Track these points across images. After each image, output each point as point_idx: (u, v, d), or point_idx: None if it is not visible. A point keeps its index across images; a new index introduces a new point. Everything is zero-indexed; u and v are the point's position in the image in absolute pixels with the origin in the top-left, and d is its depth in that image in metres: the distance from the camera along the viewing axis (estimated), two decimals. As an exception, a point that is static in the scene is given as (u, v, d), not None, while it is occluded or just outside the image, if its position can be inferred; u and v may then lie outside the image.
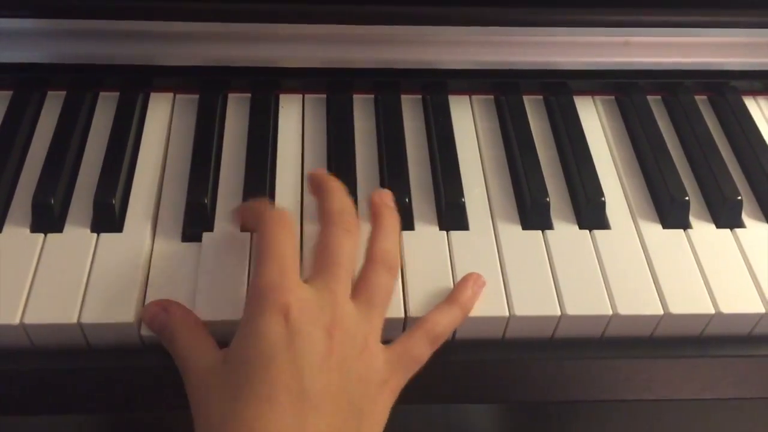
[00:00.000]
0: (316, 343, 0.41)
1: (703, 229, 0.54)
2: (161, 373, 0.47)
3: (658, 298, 0.49)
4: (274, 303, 0.41)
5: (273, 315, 0.41)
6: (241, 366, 0.41)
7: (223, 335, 0.47)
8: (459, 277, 0.50)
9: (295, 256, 0.45)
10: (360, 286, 0.46)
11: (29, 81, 0.59)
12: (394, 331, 0.47)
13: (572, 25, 0.60)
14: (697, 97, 0.64)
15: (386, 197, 0.51)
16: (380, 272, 0.46)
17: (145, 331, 0.46)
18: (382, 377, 0.44)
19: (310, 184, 0.51)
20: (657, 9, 0.61)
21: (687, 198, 0.54)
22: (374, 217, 0.49)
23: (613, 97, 0.64)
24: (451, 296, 0.48)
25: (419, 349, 0.45)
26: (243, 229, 0.51)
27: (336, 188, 0.49)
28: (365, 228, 0.49)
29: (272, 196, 0.54)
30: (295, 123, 0.60)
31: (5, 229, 0.50)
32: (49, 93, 0.60)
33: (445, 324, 0.46)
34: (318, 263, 0.45)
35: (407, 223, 0.53)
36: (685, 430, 0.58)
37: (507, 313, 0.48)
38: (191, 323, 0.45)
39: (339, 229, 0.46)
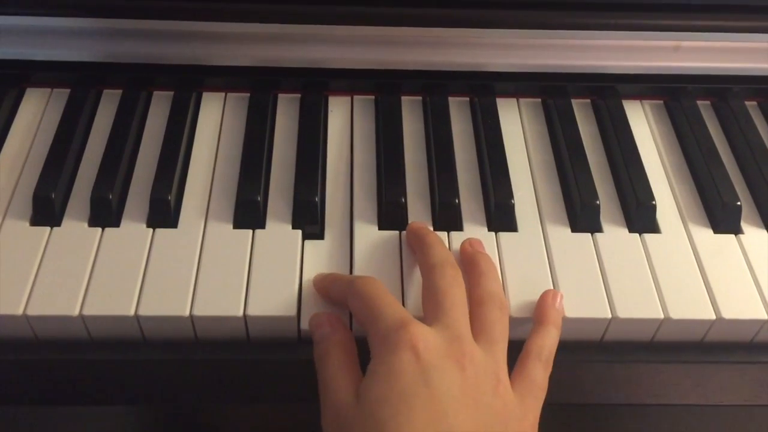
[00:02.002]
0: (450, 377, 0.41)
1: (754, 234, 0.54)
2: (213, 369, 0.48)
3: (709, 303, 0.49)
4: (403, 340, 0.41)
5: (404, 352, 0.41)
6: (381, 404, 0.40)
7: (270, 330, 0.48)
8: (506, 277, 0.50)
9: (399, 302, 0.45)
10: (476, 327, 0.45)
11: (86, 79, 0.61)
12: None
13: (622, 29, 0.60)
14: (747, 103, 0.64)
15: (477, 245, 0.51)
16: (493, 310, 0.46)
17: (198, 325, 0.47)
18: (520, 413, 0.43)
19: (409, 238, 0.51)
20: (708, 14, 0.60)
21: (739, 203, 0.54)
22: (470, 264, 0.49)
23: (661, 102, 0.64)
24: (541, 318, 0.47)
25: (539, 376, 0.45)
26: (329, 300, 0.49)
27: (435, 241, 0.49)
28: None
29: (323, 196, 0.55)
30: (344, 123, 0.61)
31: (64, 223, 0.52)
32: (105, 91, 0.61)
33: (549, 345, 0.46)
34: (431, 310, 0.45)
35: (456, 224, 0.53)
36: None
37: (562, 311, 0.48)
38: (348, 349, 0.45)
39: (445, 278, 0.46)
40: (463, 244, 0.51)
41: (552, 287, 0.50)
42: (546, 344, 0.46)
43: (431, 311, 0.45)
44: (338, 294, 0.47)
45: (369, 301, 0.44)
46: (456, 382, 0.41)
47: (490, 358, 0.43)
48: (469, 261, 0.49)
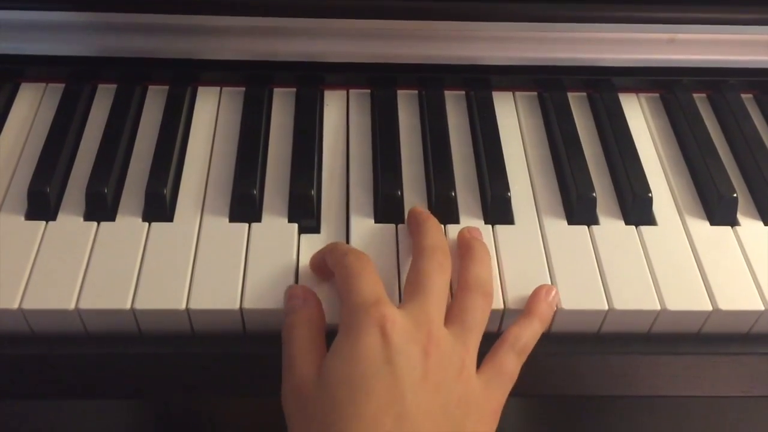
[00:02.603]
0: (413, 361, 0.41)
1: (750, 226, 0.54)
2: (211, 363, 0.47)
3: (706, 294, 0.49)
4: (372, 317, 0.42)
5: (371, 329, 0.41)
6: (341, 384, 0.40)
7: (267, 323, 0.48)
8: (503, 269, 0.50)
9: (381, 283, 0.45)
10: (454, 312, 0.45)
11: (80, 74, 0.61)
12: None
13: (618, 22, 0.60)
14: (742, 96, 0.64)
15: (475, 232, 0.51)
16: (475, 297, 0.46)
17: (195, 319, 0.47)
18: (483, 399, 0.43)
19: (410, 221, 0.51)
20: (703, 6, 0.60)
21: (735, 195, 0.54)
22: (465, 248, 0.49)
23: (657, 95, 0.64)
24: (528, 309, 0.47)
25: (509, 365, 0.45)
26: (320, 275, 0.49)
27: (433, 226, 0.49)
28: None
29: (318, 190, 0.54)
30: (340, 117, 0.61)
31: (59, 217, 0.51)
32: (100, 86, 0.61)
33: (527, 337, 0.46)
34: (409, 291, 0.45)
35: (452, 217, 0.53)
36: (726, 427, 0.57)
37: (554, 307, 0.48)
38: (316, 325, 0.45)
39: (432, 262, 0.46)
40: (461, 230, 0.51)
41: (549, 280, 0.50)
42: (523, 335, 0.46)
43: (410, 292, 0.45)
44: (333, 262, 0.47)
45: (350, 273, 0.44)
46: (418, 366, 0.41)
47: (458, 344, 0.44)
48: (465, 246, 0.49)
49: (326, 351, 0.43)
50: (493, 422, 0.43)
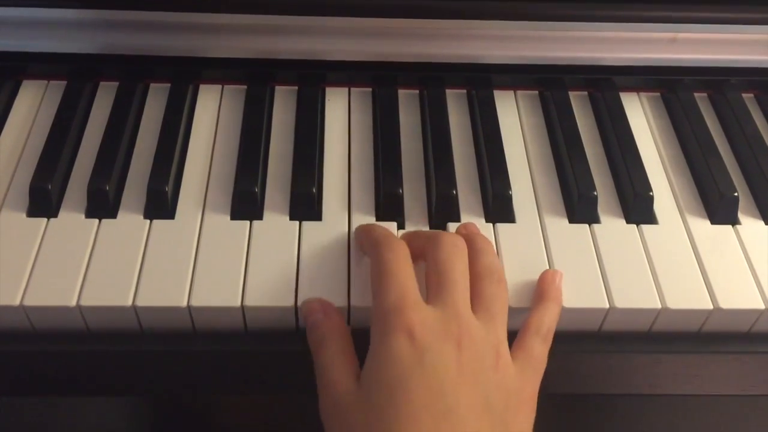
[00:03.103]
0: (446, 357, 0.41)
1: (751, 225, 0.54)
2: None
3: (707, 293, 0.49)
4: (398, 324, 0.41)
5: (399, 336, 0.41)
6: (378, 389, 0.41)
7: (268, 320, 0.48)
8: (505, 267, 0.50)
9: (412, 277, 0.45)
10: (475, 301, 0.45)
11: (82, 71, 0.61)
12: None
13: (619, 21, 0.60)
14: (743, 95, 0.64)
15: (472, 227, 0.51)
16: (491, 285, 0.46)
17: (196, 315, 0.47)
18: (519, 385, 0.43)
19: (410, 238, 0.50)
20: (705, 5, 0.60)
21: (736, 194, 0.54)
22: (467, 243, 0.49)
23: (658, 94, 0.64)
24: (541, 294, 0.48)
25: (537, 350, 0.45)
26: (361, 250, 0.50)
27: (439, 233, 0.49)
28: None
29: (320, 188, 0.54)
30: (342, 116, 0.61)
31: (60, 214, 0.51)
32: (102, 83, 0.61)
33: (549, 320, 0.46)
34: (432, 283, 0.45)
35: (453, 215, 0.53)
36: (726, 426, 0.57)
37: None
38: (343, 335, 0.45)
39: (447, 247, 0.46)
40: (458, 228, 0.51)
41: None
42: (545, 319, 0.46)
43: (434, 284, 0.45)
44: (366, 249, 0.48)
45: (380, 271, 0.44)
46: (452, 361, 0.41)
47: (490, 333, 0.44)
48: (466, 240, 0.49)
49: (356, 359, 0.44)
50: (531, 409, 0.44)
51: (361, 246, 0.49)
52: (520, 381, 0.44)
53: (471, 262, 0.47)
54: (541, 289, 0.48)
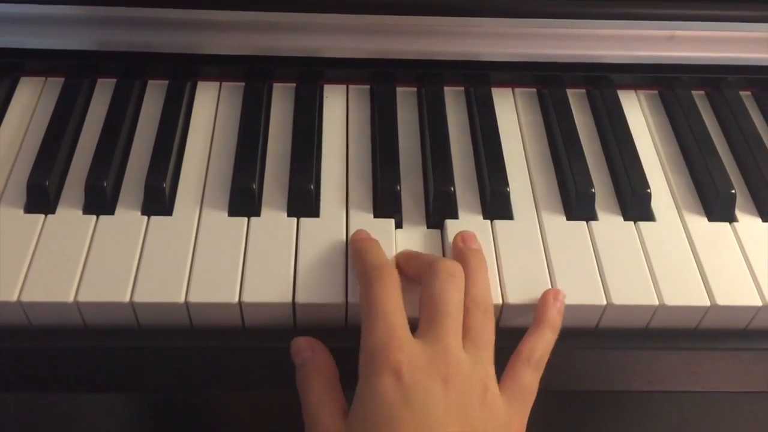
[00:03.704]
0: (433, 396, 0.41)
1: (749, 222, 0.54)
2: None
3: (704, 290, 0.49)
4: (384, 363, 0.41)
5: (385, 376, 0.41)
6: (366, 430, 0.40)
7: (266, 317, 0.48)
8: (502, 264, 0.50)
9: (401, 312, 0.44)
10: (465, 333, 0.44)
11: (80, 68, 0.61)
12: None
13: (617, 18, 0.60)
14: (741, 93, 0.64)
15: (469, 240, 0.50)
16: (477, 316, 0.45)
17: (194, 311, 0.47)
18: (507, 418, 0.43)
19: (399, 260, 0.50)
20: (703, 3, 0.60)
21: (733, 191, 0.54)
22: (460, 261, 0.48)
23: (656, 92, 0.64)
24: (537, 317, 0.47)
25: (527, 380, 0.45)
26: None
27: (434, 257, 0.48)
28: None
29: (318, 185, 0.54)
30: (340, 113, 0.61)
31: (58, 210, 0.51)
32: (100, 80, 0.61)
33: (541, 348, 0.46)
34: (425, 315, 0.44)
35: (451, 212, 0.53)
36: (724, 423, 0.58)
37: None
38: (330, 374, 0.45)
39: (444, 276, 0.45)
40: (455, 239, 0.51)
41: (547, 275, 0.50)
42: (538, 347, 0.46)
43: (426, 317, 0.44)
44: (357, 272, 0.47)
45: (369, 304, 0.44)
46: (440, 399, 0.41)
47: (477, 366, 0.43)
48: (459, 259, 0.48)
49: (343, 397, 0.44)
50: None
51: (353, 263, 0.49)
52: (508, 414, 0.43)
53: None
54: (538, 312, 0.47)
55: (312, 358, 0.46)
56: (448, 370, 0.42)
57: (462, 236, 0.51)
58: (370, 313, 0.44)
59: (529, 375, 0.45)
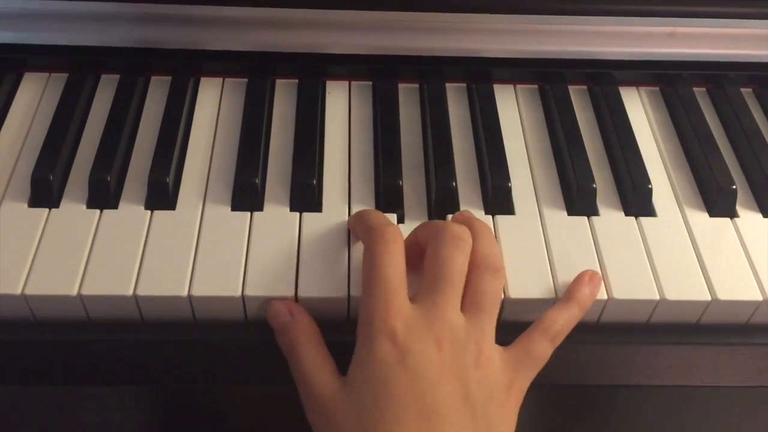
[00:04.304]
0: (427, 358, 0.42)
1: (750, 218, 0.54)
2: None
3: (705, 284, 0.49)
4: (381, 329, 0.43)
5: (382, 340, 0.42)
6: (363, 392, 0.42)
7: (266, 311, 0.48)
8: (504, 259, 0.50)
9: (401, 275, 0.45)
10: (468, 296, 0.45)
11: (83, 64, 0.61)
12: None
13: (618, 15, 0.60)
14: (742, 90, 0.64)
15: (468, 213, 0.52)
16: (485, 276, 0.46)
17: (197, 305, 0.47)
18: (504, 380, 0.44)
19: (421, 231, 0.49)
20: None
21: (734, 187, 0.54)
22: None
23: (657, 89, 0.64)
24: (568, 294, 0.47)
25: (539, 348, 0.45)
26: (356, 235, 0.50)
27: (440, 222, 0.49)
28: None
29: (320, 180, 0.55)
30: (342, 109, 0.61)
31: (62, 204, 0.52)
32: (103, 76, 0.61)
33: (562, 322, 0.46)
34: (427, 278, 0.45)
35: (453, 208, 0.54)
36: (724, 417, 0.58)
37: (555, 295, 0.48)
38: (315, 336, 0.46)
39: (452, 240, 0.46)
40: (454, 215, 0.52)
41: (549, 269, 0.50)
42: (559, 319, 0.46)
43: (428, 279, 0.45)
44: (361, 236, 0.48)
45: (370, 268, 0.45)
46: (433, 361, 0.42)
47: (475, 330, 0.44)
48: (463, 224, 0.49)
49: (330, 356, 0.45)
50: (516, 403, 0.44)
51: (356, 234, 0.50)
52: (507, 375, 0.44)
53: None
54: (570, 289, 0.48)
55: (292, 322, 0.46)
56: (442, 334, 0.43)
57: (460, 212, 0.52)
58: (370, 274, 0.44)
59: (542, 344, 0.46)
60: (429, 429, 0.40)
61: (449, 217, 0.53)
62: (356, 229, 0.49)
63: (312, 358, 0.45)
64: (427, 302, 0.44)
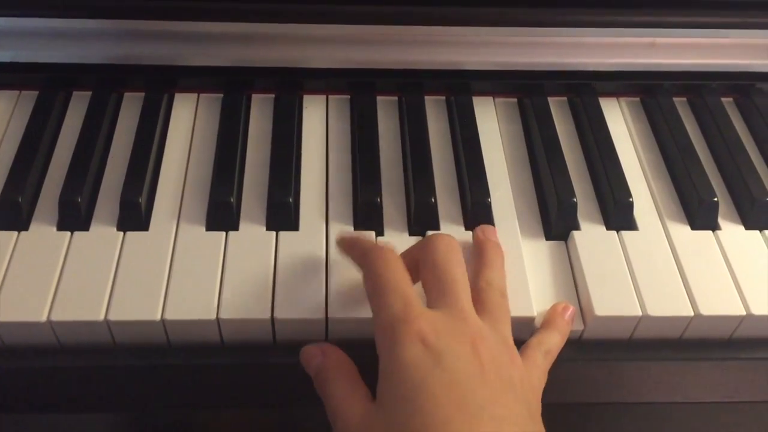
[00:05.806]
0: (465, 358, 0.40)
1: (731, 230, 0.54)
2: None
3: (687, 299, 0.49)
4: (407, 332, 0.40)
5: (411, 344, 0.40)
6: (398, 401, 0.39)
7: (244, 333, 0.47)
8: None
9: (410, 284, 0.43)
10: (478, 308, 0.44)
11: (55, 81, 0.60)
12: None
13: (598, 26, 0.60)
14: (723, 100, 0.64)
15: (489, 232, 0.51)
16: (493, 295, 0.45)
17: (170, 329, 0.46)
18: (537, 383, 0.44)
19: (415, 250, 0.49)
20: (683, 10, 0.60)
21: (716, 199, 0.54)
22: (479, 251, 0.49)
23: (638, 99, 0.64)
24: (546, 322, 0.48)
25: (539, 361, 0.45)
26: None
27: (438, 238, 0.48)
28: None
29: (297, 198, 0.54)
30: (319, 123, 0.60)
31: (32, 227, 0.51)
32: (75, 93, 0.60)
33: (551, 343, 0.46)
34: (432, 288, 0.44)
35: (432, 224, 0.53)
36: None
37: (535, 313, 0.48)
38: (346, 369, 0.44)
39: (443, 248, 0.45)
40: (475, 230, 0.51)
41: (528, 285, 0.49)
42: (545, 341, 0.46)
43: (435, 290, 0.44)
44: (357, 261, 0.46)
45: (377, 285, 0.43)
46: (472, 361, 0.40)
47: (498, 333, 0.43)
48: (478, 248, 0.49)
49: (366, 387, 0.42)
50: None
51: (348, 257, 0.48)
52: (531, 379, 0.44)
53: (475, 274, 0.47)
54: (547, 318, 0.48)
55: (325, 360, 0.44)
56: (473, 333, 0.41)
57: (483, 228, 0.51)
58: (379, 289, 0.43)
59: (540, 357, 0.45)
60: (486, 428, 0.38)
61: (429, 234, 0.52)
62: (350, 254, 0.48)
63: (341, 392, 0.42)
64: (442, 304, 0.43)
